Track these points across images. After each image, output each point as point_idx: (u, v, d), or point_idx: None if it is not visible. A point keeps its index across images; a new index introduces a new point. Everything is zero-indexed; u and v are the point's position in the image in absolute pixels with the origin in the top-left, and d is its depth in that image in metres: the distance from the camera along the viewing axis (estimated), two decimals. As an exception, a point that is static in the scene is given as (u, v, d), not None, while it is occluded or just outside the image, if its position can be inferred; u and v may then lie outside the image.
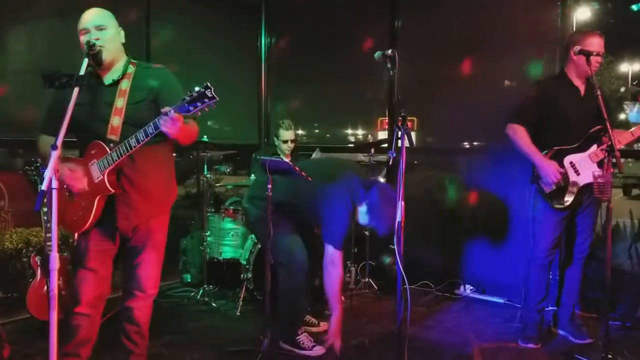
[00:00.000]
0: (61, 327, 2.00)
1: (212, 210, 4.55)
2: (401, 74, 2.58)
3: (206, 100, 2.13)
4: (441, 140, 5.35)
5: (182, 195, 7.14)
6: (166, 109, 2.17)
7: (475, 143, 5.08)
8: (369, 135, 6.06)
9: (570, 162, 3.30)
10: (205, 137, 4.41)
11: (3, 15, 4.12)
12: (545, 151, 3.33)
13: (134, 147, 2.29)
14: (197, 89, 2.15)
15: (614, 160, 2.93)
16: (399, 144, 2.49)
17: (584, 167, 3.27)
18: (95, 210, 2.39)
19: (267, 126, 5.82)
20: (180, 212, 5.51)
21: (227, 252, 4.44)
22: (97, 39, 2.35)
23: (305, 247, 3.35)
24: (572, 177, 3.30)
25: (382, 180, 3.37)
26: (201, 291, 4.38)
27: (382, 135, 5.47)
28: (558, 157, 3.31)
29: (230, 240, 4.45)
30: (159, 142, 2.41)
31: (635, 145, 4.71)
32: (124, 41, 2.51)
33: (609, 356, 2.93)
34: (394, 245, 2.55)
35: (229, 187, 6.36)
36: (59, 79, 2.38)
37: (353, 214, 3.21)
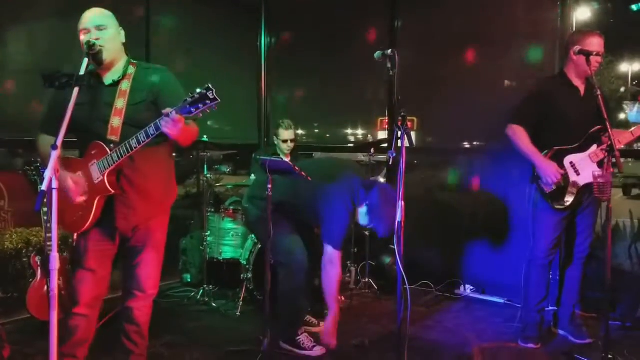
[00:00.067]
0: (60, 327, 2.00)
1: (212, 210, 4.55)
2: (401, 74, 2.58)
3: (208, 102, 2.13)
4: (441, 140, 5.35)
5: (182, 195, 7.13)
6: (167, 110, 2.17)
7: (475, 143, 5.08)
8: (369, 135, 6.06)
9: (571, 162, 3.30)
10: (205, 137, 4.41)
11: (3, 15, 4.12)
12: (545, 151, 3.33)
13: (135, 147, 2.29)
14: (198, 90, 2.15)
15: (614, 160, 2.94)
16: (399, 144, 2.49)
17: (584, 167, 3.27)
18: (95, 211, 2.39)
19: (267, 126, 5.83)
20: (180, 212, 5.50)
21: (227, 252, 4.44)
22: (97, 39, 2.34)
23: (305, 247, 3.35)
24: (572, 177, 3.30)
25: (382, 180, 3.38)
26: (201, 291, 4.38)
27: (382, 135, 5.47)
28: (558, 157, 3.31)
29: (230, 240, 4.45)
30: (159, 143, 2.41)
31: (635, 145, 4.71)
32: (124, 41, 2.50)
33: (609, 356, 2.93)
34: (394, 246, 2.55)
35: (229, 187, 6.36)
36: (59, 79, 2.38)
37: (353, 214, 3.21)
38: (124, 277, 2.64)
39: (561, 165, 3.29)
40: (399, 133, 2.48)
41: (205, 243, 4.40)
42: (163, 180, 2.61)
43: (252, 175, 4.50)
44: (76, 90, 2.11)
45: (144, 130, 2.26)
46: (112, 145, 2.36)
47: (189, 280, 4.83)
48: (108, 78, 2.46)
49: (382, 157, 4.76)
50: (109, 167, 2.35)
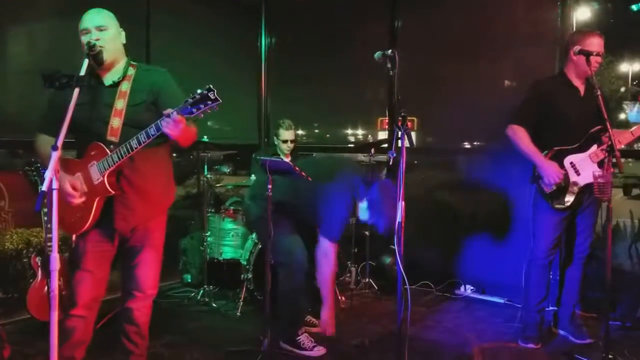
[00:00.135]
0: (57, 328, 2.00)
1: (213, 210, 4.55)
2: (401, 74, 2.58)
3: (209, 102, 2.13)
4: (441, 140, 5.35)
5: (182, 196, 7.13)
6: (168, 110, 2.17)
7: (475, 143, 5.08)
8: (369, 135, 6.06)
9: (571, 163, 3.30)
10: (205, 137, 4.41)
11: (3, 15, 4.12)
12: (546, 152, 3.33)
13: (135, 148, 2.29)
14: (199, 91, 2.15)
15: (614, 160, 2.94)
16: (399, 144, 2.49)
17: (584, 167, 3.27)
18: (95, 212, 2.39)
19: (267, 126, 5.83)
20: (180, 212, 5.50)
21: (227, 252, 4.44)
22: (97, 40, 2.34)
23: (305, 247, 3.35)
24: (573, 177, 3.30)
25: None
26: (201, 291, 4.38)
27: (382, 135, 5.47)
28: (558, 158, 3.31)
29: (230, 240, 4.46)
30: (158, 143, 2.41)
31: (635, 145, 4.71)
32: (124, 42, 2.50)
33: (610, 356, 2.93)
34: (394, 246, 2.55)
35: (229, 187, 6.36)
36: (59, 80, 2.37)
37: (353, 210, 3.21)
38: (123, 278, 2.63)
39: (561, 165, 3.30)
40: (399, 133, 2.48)
41: (205, 243, 4.40)
42: (162, 181, 2.61)
43: (252, 175, 4.51)
44: (76, 90, 2.11)
45: (144, 131, 2.25)
46: (111, 146, 2.36)
47: (189, 280, 4.83)
48: (108, 79, 2.46)
49: (382, 157, 4.76)
50: (109, 168, 2.34)
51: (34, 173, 3.48)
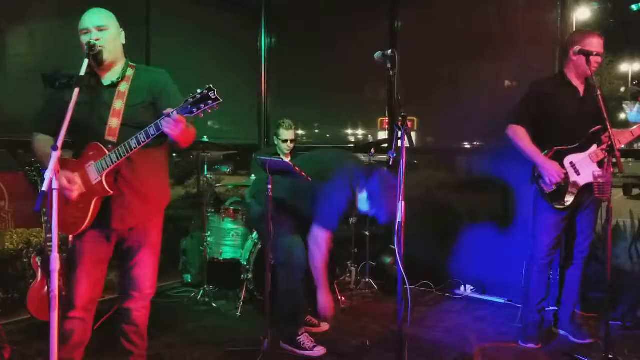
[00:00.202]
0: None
1: (213, 210, 4.55)
2: (401, 74, 2.58)
3: (209, 102, 2.13)
4: (441, 140, 5.35)
5: (182, 196, 7.12)
6: (168, 110, 2.17)
7: (475, 143, 5.08)
8: (369, 135, 6.06)
9: (571, 162, 3.30)
10: (205, 137, 4.41)
11: (3, 15, 4.11)
12: (545, 151, 3.33)
13: (135, 148, 2.29)
14: (199, 90, 2.15)
15: (614, 160, 2.94)
16: (399, 144, 2.49)
17: (584, 167, 3.27)
18: (92, 212, 2.38)
19: (267, 126, 5.83)
20: (180, 212, 5.50)
21: (228, 252, 4.44)
22: (97, 40, 2.34)
23: (305, 247, 3.35)
24: (573, 177, 3.30)
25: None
26: (201, 291, 4.38)
27: (382, 135, 5.47)
28: (558, 157, 3.31)
29: (230, 240, 4.46)
30: (157, 144, 2.41)
31: (635, 145, 4.71)
32: (124, 42, 2.50)
33: (610, 356, 2.93)
34: (394, 246, 2.55)
35: (229, 187, 6.35)
36: (59, 79, 2.38)
37: (352, 201, 3.21)
38: (121, 278, 2.63)
39: (561, 165, 3.30)
40: (399, 133, 2.48)
41: (205, 243, 4.40)
42: (160, 181, 2.61)
43: (252, 175, 4.51)
44: (76, 91, 2.11)
45: (144, 131, 2.25)
46: (109, 146, 2.35)
47: (189, 280, 4.82)
48: (107, 79, 2.46)
49: (382, 157, 4.76)
50: (107, 167, 2.34)
51: (34, 173, 3.48)
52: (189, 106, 2.15)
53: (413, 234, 2.79)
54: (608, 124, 2.95)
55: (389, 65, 2.57)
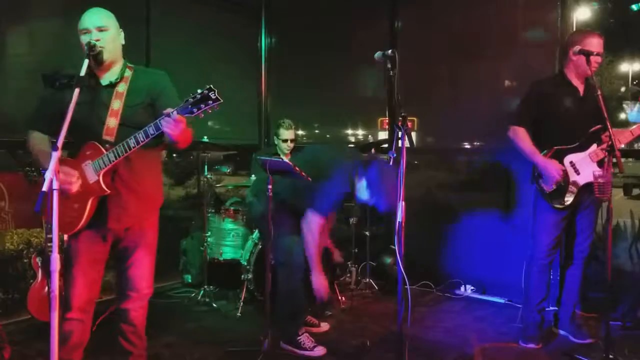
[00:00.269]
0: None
1: (213, 210, 4.55)
2: (401, 74, 2.58)
3: (210, 102, 2.14)
4: (441, 140, 5.35)
5: (182, 196, 7.12)
6: (168, 110, 2.17)
7: (475, 143, 5.08)
8: (369, 136, 6.06)
9: (570, 162, 3.30)
10: (205, 137, 4.41)
11: (3, 15, 4.11)
12: (545, 151, 3.33)
13: (133, 147, 2.28)
14: (199, 90, 2.15)
15: (614, 160, 2.94)
16: (399, 144, 2.49)
17: (583, 166, 3.28)
18: (88, 212, 2.37)
19: (267, 126, 5.83)
20: (180, 212, 5.51)
21: (228, 252, 4.44)
22: (97, 40, 2.34)
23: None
24: (572, 176, 3.30)
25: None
26: (202, 292, 4.38)
27: (382, 135, 5.47)
28: (558, 157, 3.31)
29: (230, 240, 4.46)
30: (153, 144, 2.40)
31: (635, 145, 4.71)
32: (123, 42, 2.50)
33: (610, 356, 2.93)
34: (394, 246, 2.55)
35: (230, 187, 6.36)
36: (59, 79, 2.38)
37: (350, 193, 3.21)
38: (118, 279, 2.63)
39: (561, 164, 3.30)
40: (399, 133, 2.48)
41: (205, 244, 4.40)
42: (155, 181, 2.62)
43: (252, 175, 4.51)
44: (76, 91, 2.11)
45: (143, 130, 2.25)
46: (107, 146, 2.35)
47: (190, 280, 4.82)
48: (105, 79, 2.46)
49: (382, 158, 4.76)
50: (105, 167, 2.33)
51: (34, 173, 3.48)
52: (189, 106, 2.15)
53: (413, 234, 2.79)
54: (608, 124, 2.95)
55: (389, 65, 2.57)
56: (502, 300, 4.43)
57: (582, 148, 3.30)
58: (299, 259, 3.31)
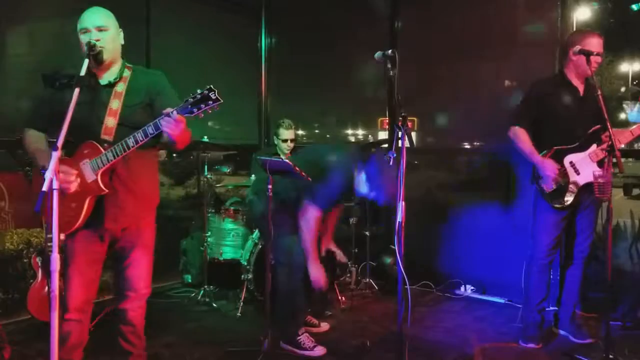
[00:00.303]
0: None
1: (213, 210, 4.55)
2: (401, 74, 2.58)
3: (210, 102, 2.14)
4: (441, 140, 5.35)
5: (182, 196, 7.12)
6: (168, 110, 2.17)
7: (475, 143, 5.08)
8: (369, 135, 6.06)
9: (570, 162, 3.30)
10: (205, 137, 4.41)
11: (3, 15, 4.11)
12: (545, 151, 3.33)
13: (132, 147, 2.28)
14: (199, 91, 2.15)
15: (614, 160, 2.94)
16: (399, 144, 2.49)
17: (583, 166, 3.28)
18: (86, 211, 2.37)
19: (267, 126, 5.83)
20: (180, 212, 5.50)
21: (228, 252, 4.44)
22: (97, 40, 2.34)
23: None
24: (572, 176, 3.30)
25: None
26: (202, 292, 4.38)
27: (382, 135, 5.47)
28: (558, 157, 3.31)
29: (230, 240, 4.45)
30: (150, 144, 2.40)
31: (635, 145, 4.71)
32: (123, 42, 2.50)
33: (610, 356, 2.93)
34: (394, 246, 2.55)
35: (230, 187, 6.35)
36: (59, 79, 2.38)
37: (350, 188, 3.21)
38: (116, 279, 2.63)
39: (561, 164, 3.30)
40: (399, 133, 2.48)
41: (205, 243, 4.40)
42: (152, 181, 2.62)
43: (252, 175, 4.51)
44: (77, 91, 2.11)
45: (142, 129, 2.25)
46: (105, 145, 2.35)
47: (190, 280, 4.82)
48: (104, 78, 2.46)
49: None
50: (103, 166, 2.33)
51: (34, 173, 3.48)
52: (189, 106, 2.15)
53: (413, 234, 2.79)
54: (608, 124, 2.95)
55: (389, 65, 2.57)
56: (502, 300, 4.43)
57: (582, 148, 3.30)
58: (299, 259, 3.30)
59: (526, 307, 3.53)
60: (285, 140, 4.35)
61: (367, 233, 4.74)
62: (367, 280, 4.74)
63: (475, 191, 4.72)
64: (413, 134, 4.90)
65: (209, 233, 4.44)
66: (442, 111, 4.96)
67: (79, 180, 2.34)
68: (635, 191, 13.64)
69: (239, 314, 4.05)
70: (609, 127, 2.93)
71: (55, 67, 2.49)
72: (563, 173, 3.29)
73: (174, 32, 5.13)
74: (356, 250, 4.73)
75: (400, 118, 2.50)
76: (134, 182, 2.47)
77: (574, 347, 3.40)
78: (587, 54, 3.15)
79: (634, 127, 3.27)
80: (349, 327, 3.86)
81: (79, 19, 2.40)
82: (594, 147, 3.28)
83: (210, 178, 4.76)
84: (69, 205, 2.36)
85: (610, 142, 2.94)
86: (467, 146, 5.17)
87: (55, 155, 1.94)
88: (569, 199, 3.30)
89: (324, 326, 3.80)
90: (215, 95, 2.13)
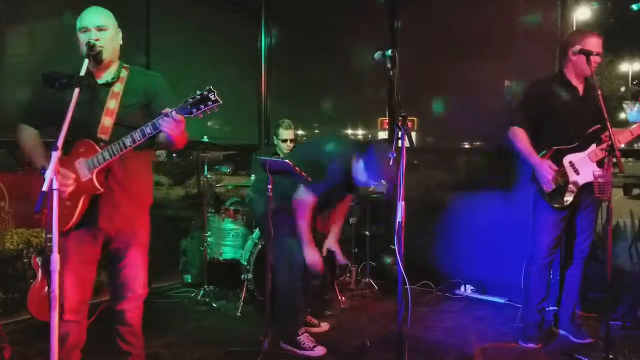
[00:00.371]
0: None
1: (213, 210, 4.55)
2: (401, 74, 2.58)
3: (210, 103, 2.14)
4: (441, 140, 5.35)
5: (182, 196, 7.12)
6: (167, 110, 2.17)
7: (475, 143, 5.08)
8: (369, 136, 6.06)
9: (570, 162, 3.30)
10: (205, 137, 4.41)
11: (3, 15, 4.11)
12: (545, 151, 3.33)
13: (129, 146, 2.29)
14: (199, 92, 2.16)
15: (614, 160, 2.94)
16: (399, 144, 2.49)
17: (583, 166, 3.28)
18: (80, 210, 2.37)
19: (267, 126, 5.83)
20: (180, 212, 5.50)
21: (228, 252, 4.44)
22: (97, 40, 2.35)
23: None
24: (572, 176, 3.30)
25: (383, 183, 3.39)
26: (202, 292, 4.38)
27: (383, 135, 5.47)
28: (557, 157, 3.31)
29: (230, 240, 4.45)
30: (147, 145, 2.40)
31: (635, 145, 4.71)
32: (121, 43, 2.51)
33: (610, 356, 2.93)
34: (394, 246, 2.55)
35: (230, 187, 6.36)
36: (59, 79, 2.38)
37: (348, 178, 3.21)
38: (111, 281, 2.62)
39: (561, 165, 3.30)
40: (400, 133, 2.48)
41: (205, 244, 4.40)
42: (147, 181, 2.63)
43: (253, 175, 4.51)
44: (77, 91, 2.11)
45: (140, 129, 2.25)
46: (102, 144, 2.35)
47: (190, 281, 4.82)
48: (102, 78, 2.46)
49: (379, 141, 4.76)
50: (99, 165, 2.33)
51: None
52: (189, 107, 2.15)
53: (413, 234, 2.80)
54: (608, 124, 2.95)
55: (389, 65, 2.57)
56: (502, 301, 4.43)
57: (581, 148, 3.30)
58: (299, 259, 3.30)
59: (526, 307, 3.53)
60: (285, 141, 4.35)
61: (367, 233, 4.74)
62: (367, 280, 4.74)
63: (475, 191, 4.72)
64: (413, 134, 4.90)
65: (209, 233, 4.44)
66: (442, 111, 4.96)
67: (75, 184, 2.34)
68: (636, 191, 13.66)
69: (239, 314, 4.05)
70: (609, 127, 2.93)
71: (55, 67, 2.48)
72: (563, 173, 3.29)
73: (174, 33, 5.13)
74: (356, 250, 4.73)
75: (400, 118, 2.50)
76: (130, 182, 2.47)
77: (574, 347, 3.40)
78: (587, 54, 3.15)
79: (634, 127, 3.26)
80: (349, 327, 3.86)
81: (79, 18, 2.40)
82: (593, 147, 3.28)
83: (211, 178, 4.76)
84: (64, 204, 2.34)
85: (610, 142, 2.94)
86: (467, 146, 5.17)
87: (56, 155, 1.94)
88: (568, 199, 3.30)
89: (324, 326, 3.80)
90: (215, 96, 2.14)
